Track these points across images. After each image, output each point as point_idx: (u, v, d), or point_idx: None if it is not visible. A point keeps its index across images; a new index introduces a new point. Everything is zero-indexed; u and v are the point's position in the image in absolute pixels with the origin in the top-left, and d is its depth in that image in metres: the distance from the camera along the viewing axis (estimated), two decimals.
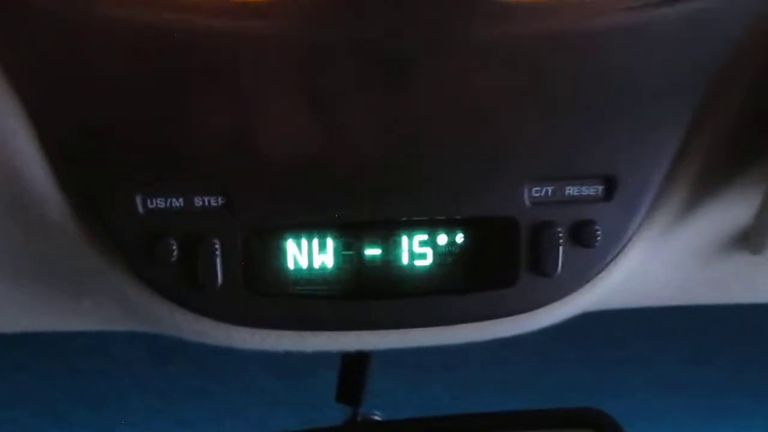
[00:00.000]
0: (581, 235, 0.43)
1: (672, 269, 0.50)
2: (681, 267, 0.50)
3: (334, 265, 0.43)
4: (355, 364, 0.68)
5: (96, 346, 0.78)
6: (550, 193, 0.42)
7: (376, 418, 0.74)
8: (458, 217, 0.43)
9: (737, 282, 0.54)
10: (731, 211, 0.46)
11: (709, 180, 0.44)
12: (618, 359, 0.98)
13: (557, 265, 0.43)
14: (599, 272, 0.44)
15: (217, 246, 0.41)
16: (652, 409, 0.97)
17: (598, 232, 0.43)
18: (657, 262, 0.48)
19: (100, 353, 0.79)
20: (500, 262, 0.43)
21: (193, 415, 0.84)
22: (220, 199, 0.41)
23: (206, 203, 0.41)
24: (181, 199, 0.41)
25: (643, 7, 0.38)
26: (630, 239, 0.44)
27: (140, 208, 0.41)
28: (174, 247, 0.41)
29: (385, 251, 0.43)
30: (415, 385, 0.88)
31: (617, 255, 0.44)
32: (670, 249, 0.47)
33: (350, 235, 0.43)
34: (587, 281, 0.44)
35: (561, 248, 0.42)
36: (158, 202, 0.41)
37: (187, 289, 0.42)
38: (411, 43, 0.38)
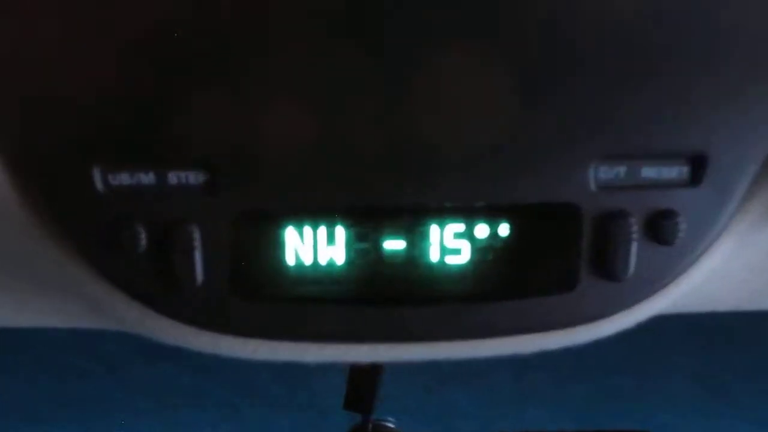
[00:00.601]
0: (660, 228, 0.33)
1: (757, 269, 0.41)
2: (761, 269, 0.41)
3: (345, 261, 0.34)
4: (366, 372, 0.60)
5: (78, 342, 0.69)
6: (622, 175, 0.33)
7: (389, 425, 0.67)
8: (502, 203, 0.34)
9: None
10: None
11: None
12: (662, 368, 0.89)
13: (628, 265, 0.34)
14: (678, 276, 0.35)
15: (196, 235, 0.32)
16: (700, 424, 0.88)
17: (681, 226, 0.34)
18: (741, 261, 0.38)
19: (83, 350, 0.71)
20: (556, 260, 0.34)
21: (186, 418, 0.76)
22: (201, 175, 0.32)
23: (183, 180, 0.32)
24: (151, 175, 0.32)
25: None
26: (718, 236, 0.35)
27: (99, 185, 0.32)
28: (142, 236, 0.32)
29: (410, 245, 0.34)
30: (434, 389, 0.80)
31: (701, 255, 0.35)
32: (759, 246, 0.38)
33: (366, 223, 0.34)
34: (662, 287, 0.35)
35: (634, 245, 0.33)
36: (122, 177, 0.32)
37: (159, 288, 0.33)
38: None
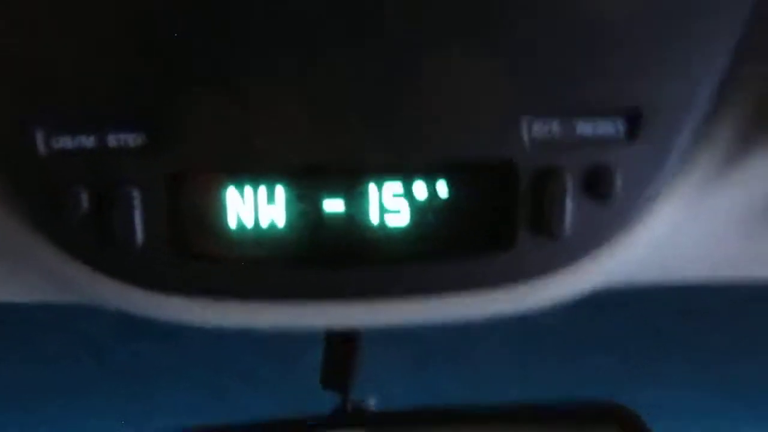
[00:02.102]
0: (596, 184, 0.34)
1: (712, 237, 0.41)
2: (724, 234, 0.41)
3: (285, 222, 0.35)
4: (341, 345, 0.60)
5: (57, 323, 0.70)
6: (556, 130, 0.33)
7: (370, 406, 0.67)
8: (440, 161, 0.34)
9: None
10: None
11: (760, 127, 0.35)
12: (643, 347, 0.89)
13: (564, 222, 0.34)
14: (618, 233, 0.35)
15: (135, 195, 0.33)
16: (678, 403, 0.88)
17: (617, 181, 0.34)
18: (693, 227, 0.38)
19: (62, 331, 0.71)
20: (493, 219, 0.35)
21: (168, 399, 0.77)
22: (139, 137, 0.33)
23: (123, 142, 0.33)
24: (92, 138, 0.33)
25: None
26: (658, 193, 0.35)
27: (41, 148, 0.32)
28: (83, 197, 0.33)
29: (350, 205, 0.35)
30: (416, 369, 0.80)
31: (641, 212, 0.35)
32: (707, 210, 0.38)
33: (305, 183, 0.35)
34: (602, 243, 0.35)
35: (569, 200, 0.34)
36: (64, 140, 0.33)
37: (102, 248, 0.34)
38: None
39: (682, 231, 0.38)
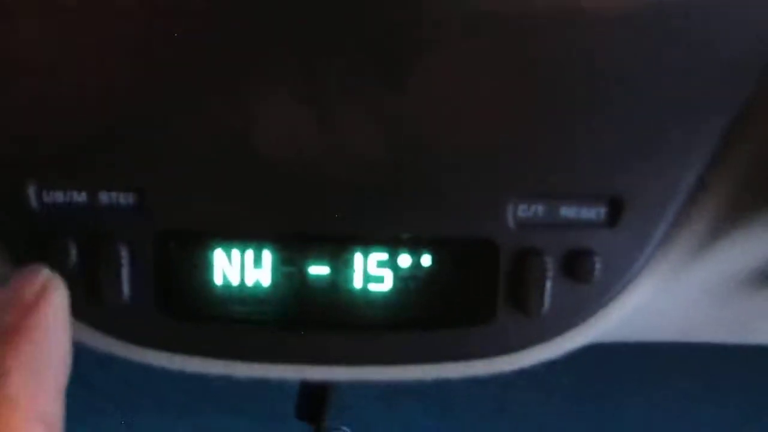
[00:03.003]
0: (576, 267, 0.35)
1: (682, 308, 0.42)
2: (693, 305, 0.42)
3: (271, 283, 0.35)
4: (316, 383, 0.61)
5: None
6: (540, 213, 0.34)
7: None
8: (424, 236, 0.35)
9: (758, 322, 0.46)
10: (759, 247, 0.38)
11: (738, 208, 0.36)
12: (618, 391, 0.90)
13: (542, 301, 0.35)
14: (596, 312, 0.36)
15: (123, 252, 0.33)
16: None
17: (597, 265, 0.35)
18: (665, 300, 0.39)
19: None
20: (474, 293, 0.35)
21: (143, 420, 0.77)
22: (130, 195, 0.33)
23: (114, 200, 0.33)
24: (83, 194, 0.33)
25: None
26: (636, 275, 0.36)
27: (33, 202, 0.33)
28: (72, 251, 0.33)
29: (334, 271, 0.35)
30: (390, 401, 0.80)
31: (619, 293, 0.36)
32: (683, 286, 0.39)
33: (292, 248, 0.35)
34: (580, 322, 0.36)
35: (549, 282, 0.34)
36: (55, 195, 0.33)
37: (88, 302, 0.34)
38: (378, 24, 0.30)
39: (657, 302, 0.39)
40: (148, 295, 0.34)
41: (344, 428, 0.67)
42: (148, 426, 0.77)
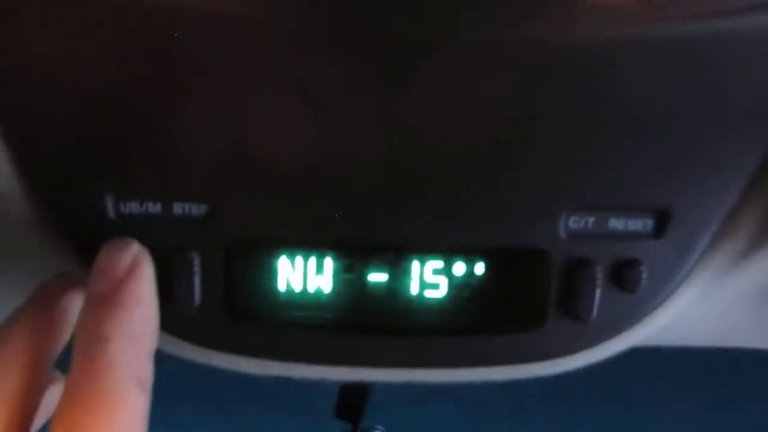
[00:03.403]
0: (623, 276, 0.36)
1: (720, 314, 0.43)
2: (731, 312, 0.44)
3: (332, 289, 0.37)
4: (356, 384, 0.62)
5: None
6: (590, 225, 0.36)
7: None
8: (479, 246, 0.36)
9: None
10: None
11: None
12: (643, 395, 0.91)
13: (592, 309, 0.36)
14: (640, 319, 0.38)
15: (196, 261, 0.35)
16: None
17: (644, 275, 0.36)
18: (704, 307, 0.41)
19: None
20: (526, 300, 0.37)
21: (181, 417, 0.79)
22: (202, 206, 0.35)
23: (187, 211, 0.35)
24: (158, 204, 0.35)
25: (731, 12, 0.32)
26: (679, 284, 0.38)
27: (111, 212, 0.35)
28: None
29: (392, 277, 0.37)
30: (423, 400, 0.82)
31: (662, 301, 0.38)
32: (722, 294, 0.41)
33: (353, 255, 0.37)
34: (626, 328, 0.38)
35: (598, 290, 0.36)
36: (132, 206, 0.35)
37: (161, 307, 0.36)
38: (429, 41, 0.32)
39: (696, 309, 0.40)
40: (217, 301, 0.36)
41: (379, 427, 0.69)
42: (187, 422, 0.80)
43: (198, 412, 0.81)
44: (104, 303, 0.30)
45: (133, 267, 0.31)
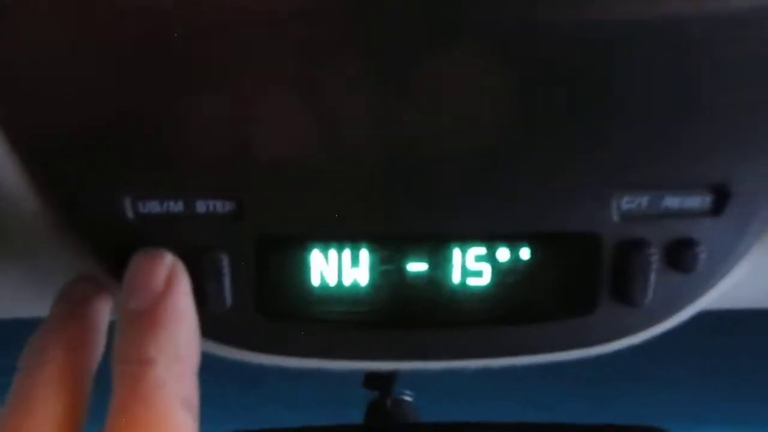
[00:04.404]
0: (680, 257, 0.34)
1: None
2: None
3: (369, 282, 0.35)
4: None
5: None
6: (644, 204, 0.34)
7: (408, 399, 0.68)
8: (525, 231, 0.34)
9: None
10: None
11: None
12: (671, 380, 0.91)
13: (647, 292, 0.34)
14: (694, 300, 0.36)
15: (225, 261, 0.33)
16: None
17: (701, 255, 0.34)
18: (756, 279, 0.39)
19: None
20: (576, 286, 0.35)
21: (206, 389, 0.78)
22: (228, 203, 0.33)
23: (211, 208, 0.33)
24: (180, 203, 0.33)
25: None
26: (736, 263, 0.35)
27: (130, 213, 0.32)
28: None
29: (433, 267, 0.35)
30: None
31: (719, 280, 0.36)
32: None
33: (390, 246, 0.35)
34: (679, 310, 0.36)
35: (653, 273, 0.34)
36: (152, 206, 0.33)
37: None
38: (460, 16, 0.29)
39: (745, 283, 0.38)
40: (248, 300, 0.34)
41: (408, 392, 0.68)
42: (211, 392, 0.78)
43: (221, 382, 0.80)
44: (144, 322, 0.28)
45: (169, 281, 0.29)
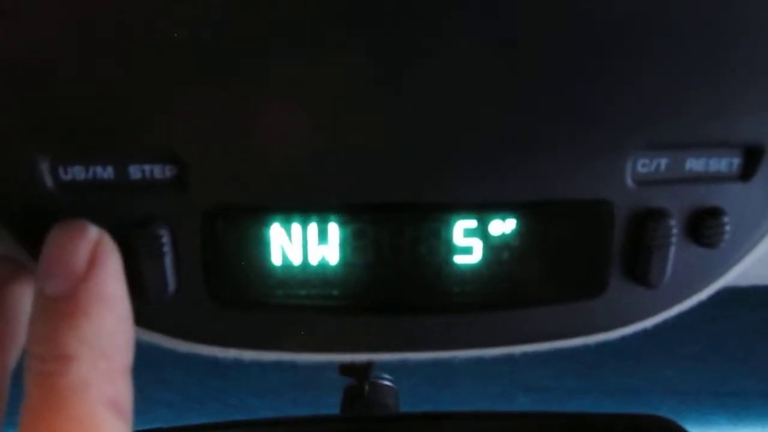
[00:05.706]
0: (703, 229, 0.29)
1: None
2: None
3: (339, 261, 0.30)
4: None
5: None
6: (663, 168, 0.28)
7: (386, 383, 0.64)
8: (523, 200, 0.29)
9: None
10: None
11: None
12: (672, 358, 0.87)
13: (664, 270, 0.29)
14: (717, 279, 0.31)
15: (165, 237, 0.28)
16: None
17: (727, 227, 0.29)
18: None
19: None
20: (582, 264, 0.30)
21: (175, 377, 0.73)
22: (168, 168, 0.27)
23: (148, 174, 0.27)
24: (110, 168, 0.27)
25: None
26: (764, 235, 0.31)
27: (49, 180, 0.27)
28: None
29: (414, 241, 0.30)
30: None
31: (744, 255, 0.31)
32: None
33: (363, 218, 0.29)
34: (700, 290, 0.31)
35: (673, 248, 0.29)
36: (75, 171, 0.27)
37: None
38: None
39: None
40: (195, 283, 0.28)
41: (386, 376, 0.64)
42: (180, 381, 0.74)
43: (184, 368, 0.75)
44: (62, 309, 0.24)
45: (93, 260, 0.25)
